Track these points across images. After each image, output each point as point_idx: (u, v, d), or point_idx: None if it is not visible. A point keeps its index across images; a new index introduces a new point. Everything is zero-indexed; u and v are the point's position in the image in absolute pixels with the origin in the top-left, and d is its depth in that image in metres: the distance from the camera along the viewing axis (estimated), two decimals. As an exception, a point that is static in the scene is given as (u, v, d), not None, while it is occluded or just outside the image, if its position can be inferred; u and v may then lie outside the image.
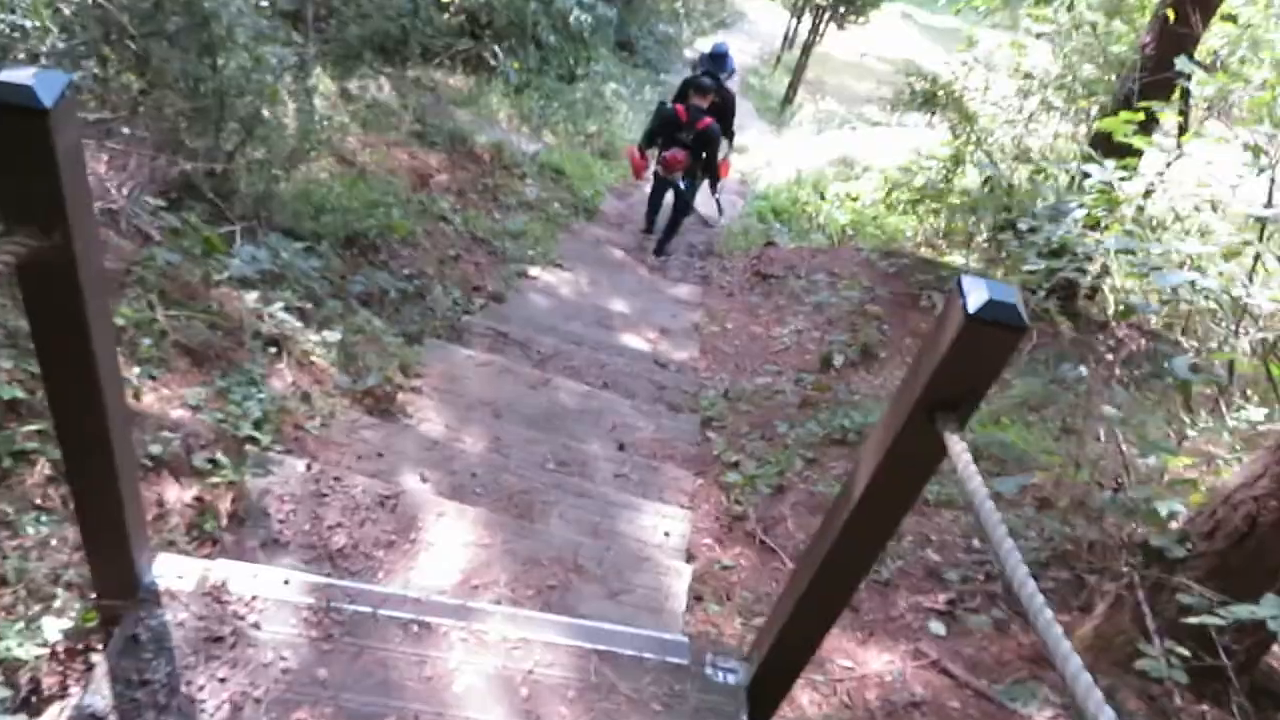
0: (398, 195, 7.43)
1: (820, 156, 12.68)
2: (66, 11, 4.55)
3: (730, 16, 23.37)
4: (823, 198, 11.31)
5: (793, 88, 16.50)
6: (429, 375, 4.32)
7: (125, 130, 4.14)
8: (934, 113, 7.95)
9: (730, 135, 8.51)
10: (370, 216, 6.73)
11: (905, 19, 31.89)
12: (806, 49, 16.69)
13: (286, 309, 3.96)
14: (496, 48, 11.83)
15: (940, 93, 7.67)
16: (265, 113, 5.70)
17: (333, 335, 3.95)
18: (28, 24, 4.30)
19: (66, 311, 1.57)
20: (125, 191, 3.83)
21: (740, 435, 4.78)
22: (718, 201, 8.82)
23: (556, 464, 3.82)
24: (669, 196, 8.35)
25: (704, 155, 7.85)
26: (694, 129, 7.69)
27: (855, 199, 11.21)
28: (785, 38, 20.98)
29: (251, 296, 3.74)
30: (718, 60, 8.40)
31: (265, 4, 6.47)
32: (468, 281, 6.61)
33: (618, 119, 12.52)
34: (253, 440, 3.02)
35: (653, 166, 8.04)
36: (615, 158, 11.26)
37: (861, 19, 17.19)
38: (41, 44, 4.29)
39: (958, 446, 1.57)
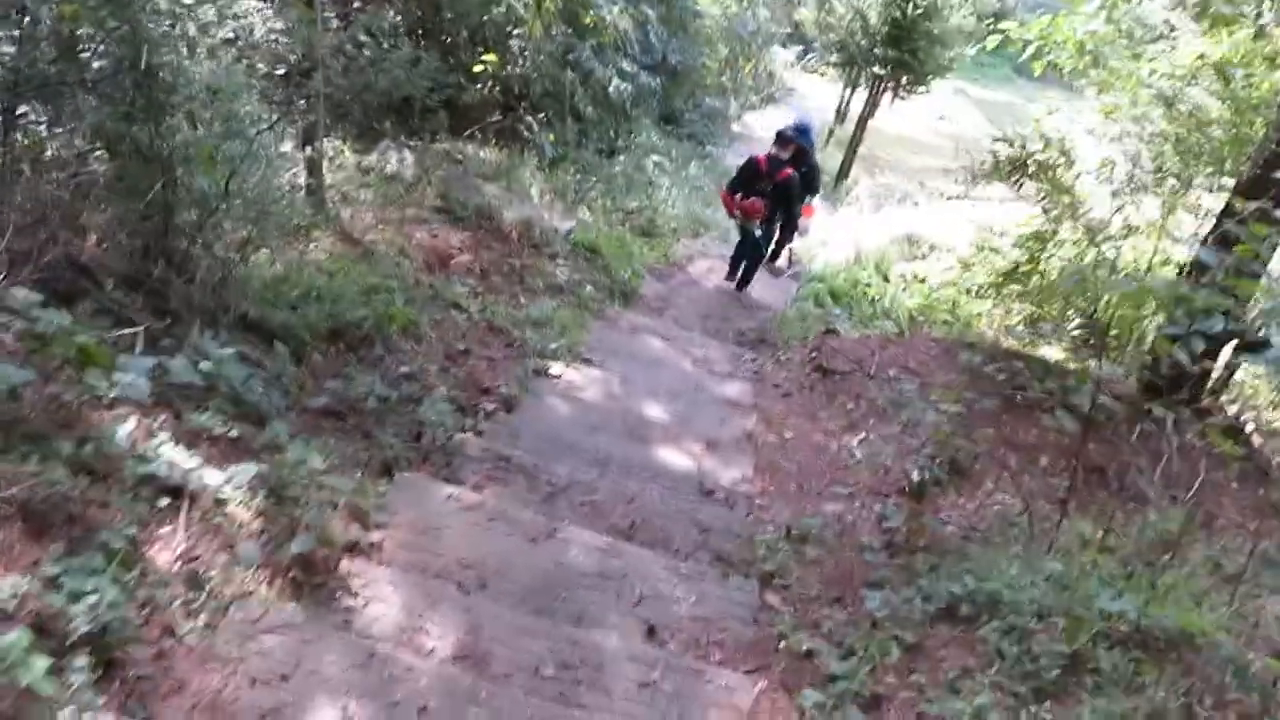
0: (404, 279, 6.47)
1: (881, 234, 11.56)
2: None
3: (779, 91, 22.61)
4: (886, 279, 10.18)
5: (847, 163, 15.50)
6: (395, 525, 3.22)
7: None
8: (1021, 184, 6.86)
9: (815, 191, 9.32)
10: (366, 305, 5.75)
11: (958, 94, 31.03)
12: (862, 122, 15.71)
13: (192, 439, 2.91)
14: (532, 119, 11.00)
15: (1030, 161, 6.61)
16: (235, 182, 4.75)
17: (246, 476, 2.85)
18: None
19: None
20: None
21: (811, 601, 3.60)
22: (790, 251, 9.43)
23: (557, 668, 2.68)
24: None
25: (782, 205, 8.27)
26: (774, 179, 8.03)
27: (923, 280, 10.07)
28: (838, 111, 20.10)
29: (127, 428, 2.69)
30: (803, 134, 8.66)
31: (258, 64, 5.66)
32: (475, 382, 5.56)
33: (660, 194, 11.56)
34: (48, 683, 1.91)
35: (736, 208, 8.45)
36: (656, 235, 10.27)
37: (922, 89, 16.18)
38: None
39: None
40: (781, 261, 9.72)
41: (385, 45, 6.67)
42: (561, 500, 3.88)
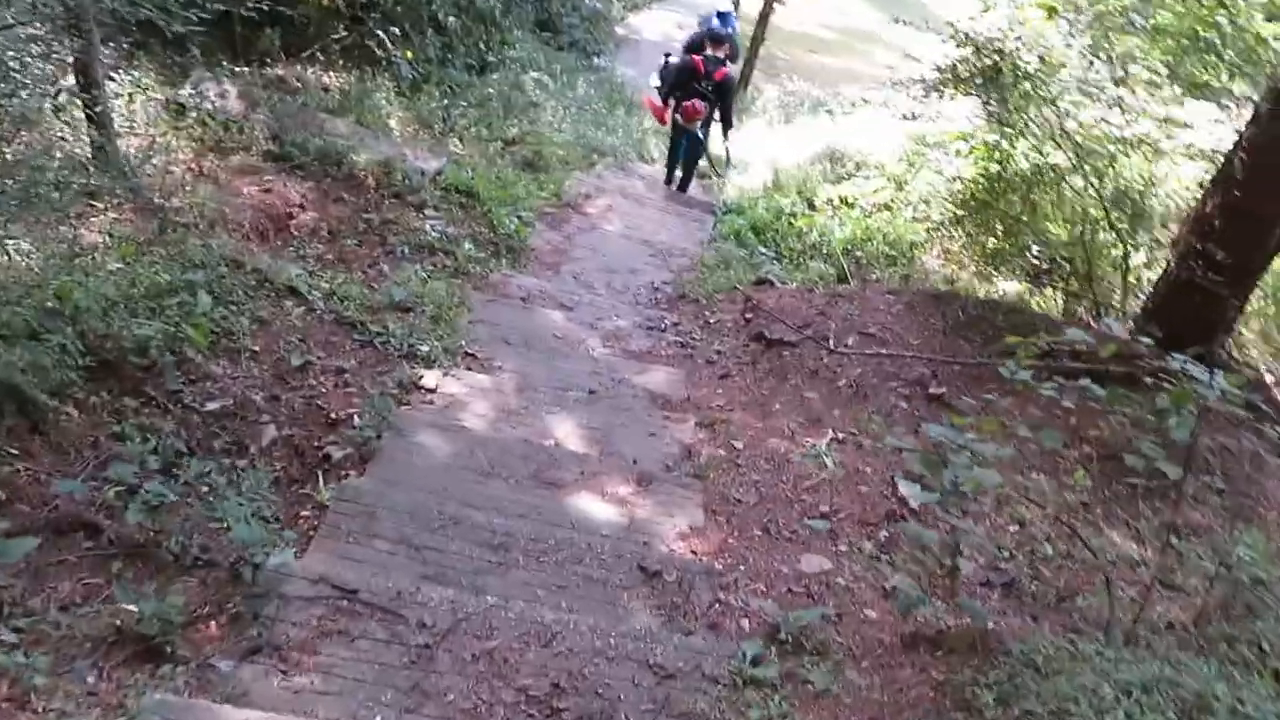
0: (215, 264, 4.81)
1: (798, 150, 10.21)
2: None
3: (664, -16, 20.69)
4: (812, 206, 8.89)
5: (749, 66, 13.90)
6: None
7: None
8: (992, 95, 5.58)
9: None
10: (154, 315, 4.14)
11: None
12: (764, 18, 14.10)
13: None
14: (384, 34, 9.11)
15: (1006, 67, 5.31)
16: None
17: None
18: None
19: None
20: None
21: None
22: (727, 150, 9.11)
23: None
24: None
25: (721, 103, 8.29)
26: (712, 79, 8.09)
27: (852, 205, 8.82)
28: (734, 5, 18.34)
29: None
30: (725, 20, 8.74)
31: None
32: (318, 414, 4.06)
33: (544, 117, 9.92)
34: None
35: (670, 115, 8.48)
36: (544, 169, 8.69)
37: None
38: None
39: None
40: (722, 155, 9.47)
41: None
42: (441, 659, 2.48)
